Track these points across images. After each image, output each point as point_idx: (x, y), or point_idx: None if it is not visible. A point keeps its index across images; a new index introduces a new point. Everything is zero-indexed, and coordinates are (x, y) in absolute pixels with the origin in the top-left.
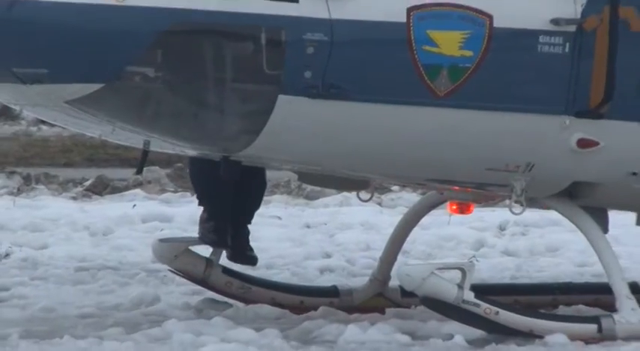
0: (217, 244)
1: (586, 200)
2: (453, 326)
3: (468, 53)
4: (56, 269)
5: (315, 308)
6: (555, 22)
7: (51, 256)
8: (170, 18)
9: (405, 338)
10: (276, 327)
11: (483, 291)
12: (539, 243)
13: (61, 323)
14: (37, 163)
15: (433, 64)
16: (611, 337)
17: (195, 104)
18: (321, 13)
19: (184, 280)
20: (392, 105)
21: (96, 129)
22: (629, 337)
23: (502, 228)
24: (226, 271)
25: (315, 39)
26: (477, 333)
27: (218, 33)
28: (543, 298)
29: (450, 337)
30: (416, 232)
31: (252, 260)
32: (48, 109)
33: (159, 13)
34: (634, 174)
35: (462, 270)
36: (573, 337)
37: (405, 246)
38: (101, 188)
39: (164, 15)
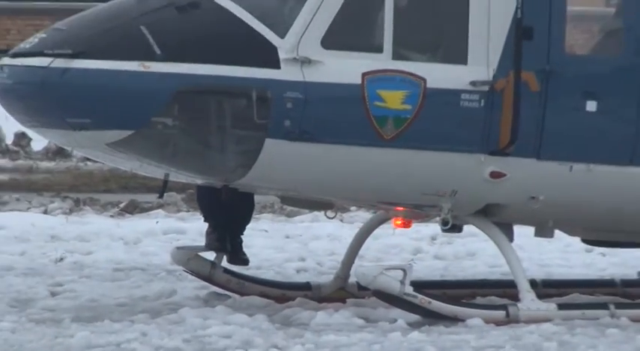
0: (219, 250)
1: (496, 217)
2: (397, 312)
3: (408, 107)
4: (98, 270)
5: (293, 299)
6: (473, 83)
7: (95, 260)
8: (183, 81)
9: (361, 321)
10: (264, 313)
11: (420, 286)
12: (462, 250)
13: (102, 310)
14: (84, 190)
15: (381, 115)
16: (516, 321)
17: (203, 145)
18: (297, 77)
19: (195, 278)
20: (350, 146)
21: (128, 164)
22: (529, 321)
23: (433, 238)
24: (226, 270)
25: (293, 97)
26: (415, 317)
27: (220, 92)
28: (465, 291)
29: (395, 320)
30: (369, 241)
31: (245, 262)
32: (92, 150)
33: (174, 77)
34: (532, 198)
35: (404, 270)
36: (487, 321)
37: (361, 252)
38: (132, 209)
39: (178, 78)
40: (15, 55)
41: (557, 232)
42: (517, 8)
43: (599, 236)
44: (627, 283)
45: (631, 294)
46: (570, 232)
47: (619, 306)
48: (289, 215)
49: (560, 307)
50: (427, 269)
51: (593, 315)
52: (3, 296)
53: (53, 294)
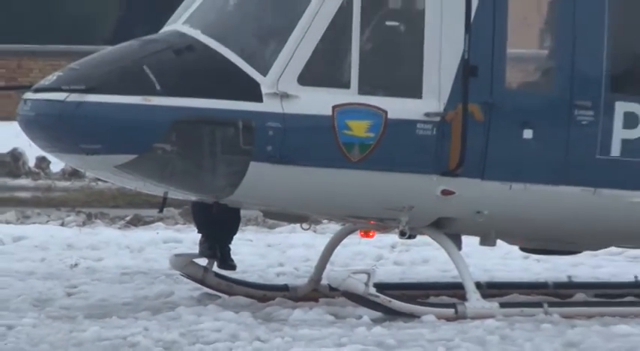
0: (210, 257)
1: (447, 229)
2: (362, 310)
3: (371, 135)
4: (107, 274)
5: (274, 299)
6: (427, 114)
7: (104, 265)
8: (180, 113)
9: (331, 317)
10: (249, 310)
11: (382, 287)
12: (417, 256)
13: (111, 309)
14: (95, 205)
15: (349, 142)
16: (463, 317)
17: (197, 167)
18: (277, 109)
19: (189, 281)
20: (323, 168)
21: (133, 184)
22: (475, 317)
23: (393, 246)
24: (217, 274)
25: (274, 126)
26: (378, 314)
27: (212, 122)
28: (420, 292)
29: (360, 317)
30: (338, 249)
31: (233, 267)
32: (102, 171)
33: (172, 109)
34: (478, 212)
35: (368, 274)
36: (439, 317)
37: (332, 258)
38: (136, 221)
39: (176, 111)
40: (37, 91)
41: (498, 241)
42: (464, 51)
43: (535, 245)
44: (558, 285)
45: (562, 294)
46: (510, 241)
47: (552, 305)
48: (271, 227)
49: (502, 305)
50: (388, 273)
51: (529, 312)
52: (26, 297)
53: (69, 294)
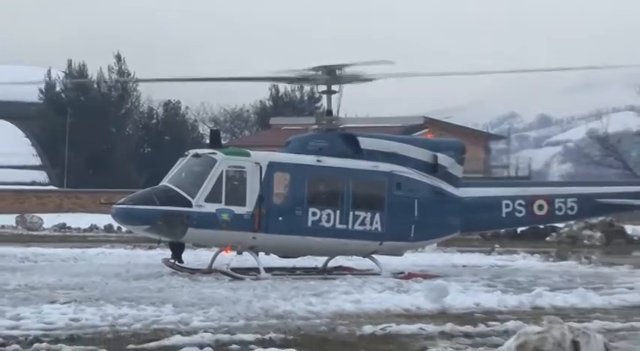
0: (176, 259)
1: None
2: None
3: (227, 216)
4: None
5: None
6: (247, 212)
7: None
8: (165, 211)
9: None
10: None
11: (232, 269)
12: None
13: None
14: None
15: (221, 219)
16: (259, 280)
17: (166, 229)
18: (196, 210)
19: (167, 267)
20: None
21: (142, 234)
22: (263, 279)
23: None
24: (176, 265)
25: (194, 216)
26: (229, 278)
27: (175, 215)
28: (251, 270)
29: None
30: (222, 254)
31: (182, 262)
32: (138, 231)
33: (162, 209)
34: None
35: (227, 264)
36: (251, 279)
37: (218, 258)
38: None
39: (164, 210)
40: (118, 204)
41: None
42: (260, 190)
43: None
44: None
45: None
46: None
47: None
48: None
49: (267, 270)
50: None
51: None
52: None
53: None
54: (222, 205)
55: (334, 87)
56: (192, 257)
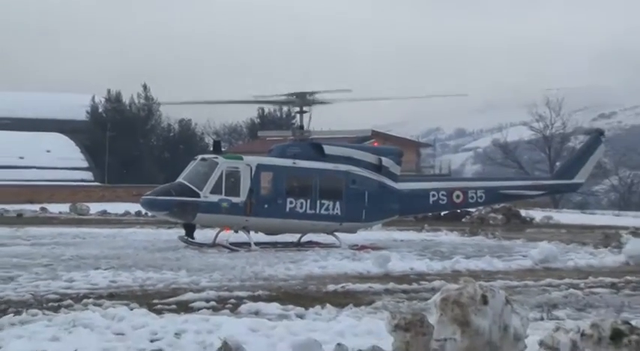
0: (188, 236)
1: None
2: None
3: (227, 205)
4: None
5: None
6: (240, 201)
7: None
8: (179, 200)
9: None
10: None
11: (231, 243)
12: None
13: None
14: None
15: (223, 205)
16: (250, 251)
17: (180, 212)
18: (203, 199)
19: (182, 242)
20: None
21: (162, 218)
22: (252, 250)
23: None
24: (188, 240)
25: (201, 204)
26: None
27: (185, 204)
28: (244, 245)
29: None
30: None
31: (193, 238)
32: (159, 215)
33: (176, 199)
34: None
35: (227, 239)
36: (245, 250)
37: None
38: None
39: (177, 200)
40: (146, 195)
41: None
42: (251, 179)
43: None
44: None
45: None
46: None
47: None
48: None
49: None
50: (235, 239)
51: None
52: None
53: None
54: (222, 196)
55: (305, 108)
56: (200, 235)
